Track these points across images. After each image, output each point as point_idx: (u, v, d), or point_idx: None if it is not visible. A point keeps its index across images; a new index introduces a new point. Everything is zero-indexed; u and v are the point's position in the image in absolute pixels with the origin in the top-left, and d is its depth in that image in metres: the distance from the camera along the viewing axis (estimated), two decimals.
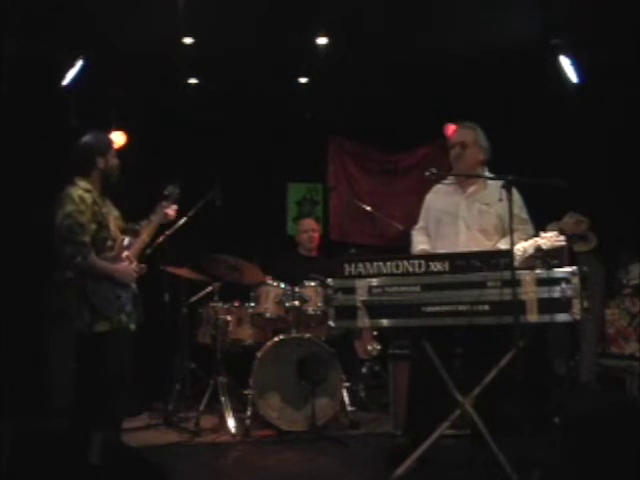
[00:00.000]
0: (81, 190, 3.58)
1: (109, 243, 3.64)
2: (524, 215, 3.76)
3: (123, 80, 5.66)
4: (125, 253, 3.68)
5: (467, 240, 3.72)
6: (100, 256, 3.57)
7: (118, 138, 5.67)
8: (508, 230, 3.31)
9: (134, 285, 3.76)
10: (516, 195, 3.67)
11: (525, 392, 3.12)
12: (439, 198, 3.95)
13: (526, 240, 3.44)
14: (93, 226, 3.57)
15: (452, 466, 3.68)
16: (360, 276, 3.46)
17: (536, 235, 3.39)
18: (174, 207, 3.95)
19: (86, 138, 3.76)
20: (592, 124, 5.66)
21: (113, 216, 3.75)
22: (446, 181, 3.93)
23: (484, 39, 5.44)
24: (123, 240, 3.71)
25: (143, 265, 3.78)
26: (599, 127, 5.65)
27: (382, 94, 6.30)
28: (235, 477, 3.76)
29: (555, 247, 3.24)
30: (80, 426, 3.28)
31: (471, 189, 3.84)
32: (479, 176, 3.80)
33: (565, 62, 5.60)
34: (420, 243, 3.92)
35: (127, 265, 3.65)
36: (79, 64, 5.42)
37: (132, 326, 3.68)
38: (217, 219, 5.10)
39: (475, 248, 3.60)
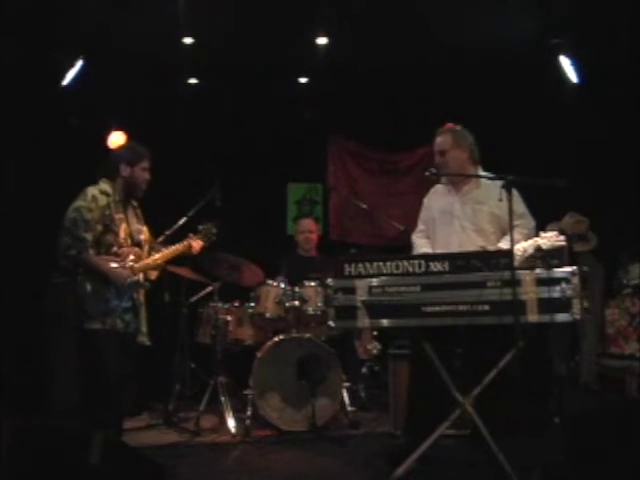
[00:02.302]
0: (97, 190, 3.63)
1: (115, 249, 3.62)
2: (522, 209, 3.75)
3: (123, 80, 5.66)
4: (130, 263, 3.65)
5: (461, 240, 3.72)
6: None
7: (118, 138, 5.67)
8: (506, 229, 3.30)
9: (141, 297, 3.76)
10: (515, 192, 3.67)
11: (525, 392, 3.12)
12: (436, 198, 3.95)
13: (527, 234, 3.44)
14: (99, 227, 3.57)
15: (452, 466, 3.68)
16: (360, 276, 3.45)
17: (536, 234, 3.39)
18: (200, 242, 3.97)
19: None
20: (592, 124, 5.66)
21: (132, 228, 3.73)
22: (444, 181, 3.92)
23: (484, 39, 5.44)
24: (131, 251, 3.69)
25: (146, 283, 3.75)
26: (599, 127, 5.66)
27: (382, 94, 6.30)
28: (235, 477, 3.76)
29: (555, 247, 3.24)
30: (82, 426, 3.29)
31: (465, 189, 3.83)
32: (480, 176, 3.79)
33: (565, 62, 5.60)
34: (421, 247, 3.90)
35: (122, 270, 3.60)
36: (79, 64, 5.43)
37: (141, 338, 3.72)
38: (217, 219, 5.10)
39: (469, 248, 3.60)
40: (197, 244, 3.97)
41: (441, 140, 3.88)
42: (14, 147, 5.25)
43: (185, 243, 3.94)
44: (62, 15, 4.90)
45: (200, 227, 4.05)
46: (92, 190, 3.61)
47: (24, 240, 5.15)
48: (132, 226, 3.74)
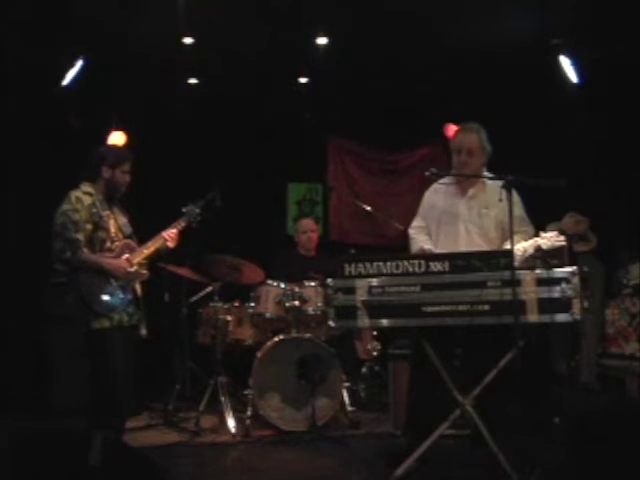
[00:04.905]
0: (80, 192, 3.69)
1: (108, 245, 3.70)
2: (524, 216, 3.75)
3: (123, 80, 5.66)
4: (125, 256, 3.72)
5: (466, 243, 3.71)
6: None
7: (118, 138, 5.67)
8: (508, 231, 3.30)
9: (138, 288, 3.81)
10: (516, 197, 3.67)
11: (525, 392, 3.12)
12: (440, 198, 3.91)
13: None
14: (89, 226, 3.64)
15: (452, 466, 3.68)
16: (360, 276, 3.45)
17: (536, 235, 3.39)
18: (173, 231, 3.96)
19: (102, 147, 3.94)
20: (592, 124, 5.65)
21: (120, 222, 3.81)
22: (445, 180, 3.91)
23: (484, 39, 5.43)
24: (126, 244, 3.77)
25: (145, 271, 3.82)
26: (599, 127, 5.65)
27: (382, 94, 6.30)
28: (235, 477, 3.77)
29: (555, 247, 3.24)
30: (86, 426, 3.32)
31: (471, 191, 3.81)
32: (479, 176, 3.78)
33: (565, 62, 5.60)
34: (422, 242, 3.85)
35: (120, 260, 3.68)
36: (79, 64, 5.42)
37: (142, 331, 3.78)
38: (217, 219, 5.11)
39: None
40: (170, 235, 3.93)
41: (471, 138, 3.79)
42: (14, 147, 5.25)
43: (172, 227, 3.97)
44: (62, 15, 4.90)
45: (184, 209, 4.12)
46: (75, 193, 3.68)
47: (24, 240, 5.15)
48: (120, 220, 3.83)
